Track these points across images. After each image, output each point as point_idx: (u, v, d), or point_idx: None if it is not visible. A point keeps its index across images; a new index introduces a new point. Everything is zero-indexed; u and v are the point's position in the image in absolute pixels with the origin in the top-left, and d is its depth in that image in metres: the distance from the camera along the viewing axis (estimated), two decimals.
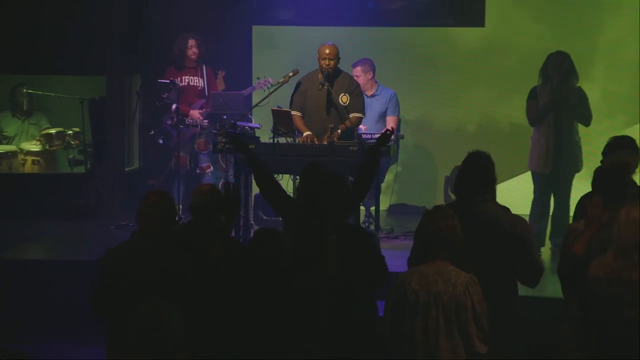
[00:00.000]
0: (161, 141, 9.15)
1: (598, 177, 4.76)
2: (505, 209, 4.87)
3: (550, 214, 7.91)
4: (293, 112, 8.08)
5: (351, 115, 8.00)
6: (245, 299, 4.35)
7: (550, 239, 7.84)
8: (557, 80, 7.76)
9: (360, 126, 8.60)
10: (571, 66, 7.83)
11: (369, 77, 9.07)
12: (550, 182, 7.88)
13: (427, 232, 4.35)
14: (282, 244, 4.42)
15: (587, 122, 7.90)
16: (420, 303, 4.25)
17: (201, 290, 4.57)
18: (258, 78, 9.09)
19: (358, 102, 8.11)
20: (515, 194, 9.05)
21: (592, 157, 7.30)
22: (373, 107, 8.97)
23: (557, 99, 7.75)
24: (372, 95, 9.05)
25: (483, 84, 10.02)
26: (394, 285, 4.38)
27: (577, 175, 7.90)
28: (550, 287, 6.07)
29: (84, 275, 5.34)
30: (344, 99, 8.06)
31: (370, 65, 9.11)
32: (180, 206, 8.63)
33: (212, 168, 9.34)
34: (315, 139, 7.84)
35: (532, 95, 7.91)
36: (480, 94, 10.03)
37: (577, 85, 7.88)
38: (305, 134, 7.91)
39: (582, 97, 7.86)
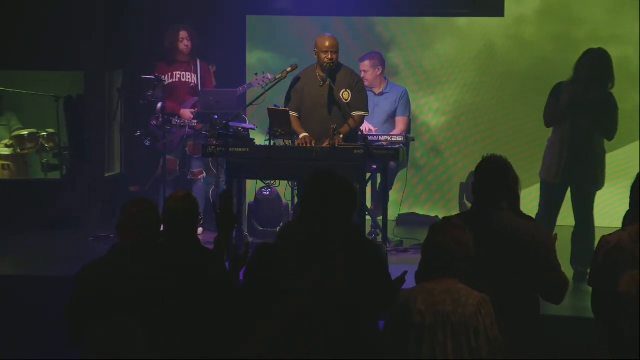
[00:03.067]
0: (148, 143, 9.18)
1: (633, 188, 4.78)
2: (528, 219, 4.89)
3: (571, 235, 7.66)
4: (289, 113, 8.10)
5: (353, 113, 8.03)
6: (242, 317, 4.37)
7: (571, 263, 7.46)
8: (585, 80, 7.50)
9: (370, 127, 8.63)
10: (608, 67, 7.54)
11: (378, 73, 9.07)
12: (560, 195, 7.65)
13: (433, 247, 4.33)
14: (282, 261, 4.43)
15: (608, 134, 7.58)
16: (427, 325, 4.21)
17: (186, 307, 4.60)
18: (255, 74, 9.10)
19: (361, 98, 8.13)
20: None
21: None
22: (381, 106, 8.99)
23: (579, 99, 7.49)
24: (381, 94, 9.06)
25: (503, 80, 10.04)
26: (395, 304, 4.35)
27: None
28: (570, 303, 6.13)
29: (60, 293, 5.36)
30: (345, 95, 8.08)
31: (379, 60, 9.12)
32: None
33: (204, 174, 9.36)
34: (314, 142, 7.87)
35: (555, 91, 7.65)
36: (500, 91, 10.05)
37: (610, 91, 7.57)
38: (301, 135, 7.94)
39: (610, 105, 7.54)
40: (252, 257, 4.42)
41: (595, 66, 7.54)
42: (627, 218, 5.11)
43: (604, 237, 4.86)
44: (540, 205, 7.72)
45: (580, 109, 7.50)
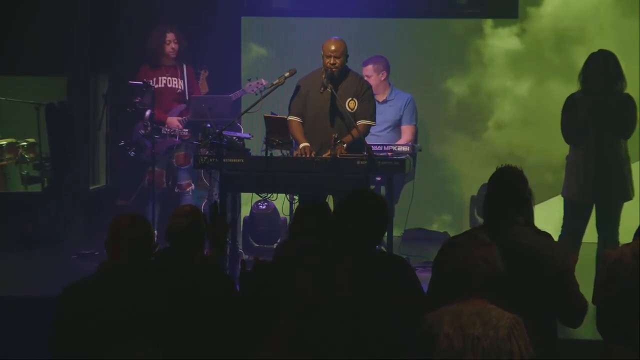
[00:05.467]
0: (132, 153, 9.16)
1: None
2: (545, 235, 4.88)
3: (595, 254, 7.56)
4: (291, 118, 8.06)
5: (358, 122, 8.01)
6: (243, 341, 4.35)
7: None
8: (601, 87, 7.49)
9: None
10: (618, 69, 7.56)
11: (382, 79, 9.07)
12: (586, 214, 7.63)
13: (458, 266, 4.28)
14: (289, 282, 4.40)
15: (625, 132, 7.56)
16: (455, 350, 4.19)
17: (183, 329, 4.58)
18: (249, 80, 9.11)
19: (368, 107, 8.09)
20: (552, 219, 9.06)
21: None
22: (386, 114, 8.98)
23: (598, 109, 7.48)
24: (385, 101, 9.06)
25: (516, 86, 10.05)
26: (421, 329, 4.31)
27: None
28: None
29: (41, 315, 5.35)
30: (351, 104, 8.06)
31: (384, 64, 9.11)
32: (156, 232, 8.64)
33: (193, 186, 9.34)
34: (313, 152, 7.85)
35: (569, 105, 7.62)
36: (512, 99, 10.05)
37: (625, 91, 7.59)
38: (301, 145, 7.92)
39: (629, 105, 7.56)
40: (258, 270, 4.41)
41: (605, 70, 7.54)
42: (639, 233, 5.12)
43: (605, 251, 4.87)
44: (564, 225, 7.70)
45: (601, 119, 7.49)
